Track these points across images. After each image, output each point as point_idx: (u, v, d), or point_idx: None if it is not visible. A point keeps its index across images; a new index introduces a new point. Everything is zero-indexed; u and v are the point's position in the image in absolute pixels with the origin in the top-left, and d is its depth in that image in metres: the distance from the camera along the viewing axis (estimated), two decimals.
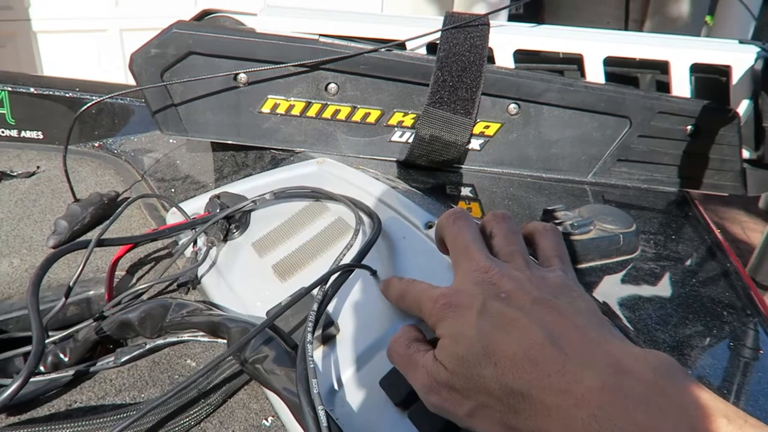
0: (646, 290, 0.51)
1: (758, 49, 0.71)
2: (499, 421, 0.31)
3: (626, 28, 2.73)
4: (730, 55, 0.71)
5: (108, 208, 0.67)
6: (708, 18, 3.73)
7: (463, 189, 0.69)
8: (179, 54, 0.65)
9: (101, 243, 0.50)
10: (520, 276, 0.36)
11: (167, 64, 0.65)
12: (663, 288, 0.52)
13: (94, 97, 0.69)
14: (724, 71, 0.73)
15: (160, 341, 0.47)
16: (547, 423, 0.29)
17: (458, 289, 0.36)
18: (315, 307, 0.40)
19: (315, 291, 0.43)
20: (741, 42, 0.75)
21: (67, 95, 0.83)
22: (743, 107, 0.72)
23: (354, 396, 0.41)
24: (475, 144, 0.70)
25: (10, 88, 0.82)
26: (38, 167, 0.79)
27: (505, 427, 0.31)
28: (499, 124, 0.69)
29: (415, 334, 0.38)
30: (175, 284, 0.54)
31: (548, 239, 0.42)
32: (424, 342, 0.37)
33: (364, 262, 0.47)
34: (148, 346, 0.47)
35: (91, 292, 0.55)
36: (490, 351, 0.31)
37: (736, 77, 0.71)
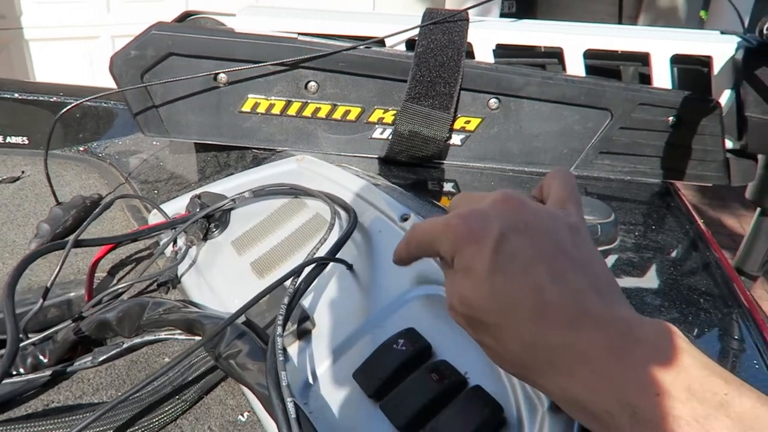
0: (623, 280, 0.51)
1: (739, 39, 0.71)
2: (502, 358, 0.31)
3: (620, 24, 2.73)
4: (711, 46, 0.71)
5: (90, 210, 0.67)
6: (702, 13, 3.73)
7: (444, 184, 0.69)
8: (159, 55, 0.65)
9: (79, 244, 0.50)
10: (540, 210, 0.33)
11: (147, 66, 0.65)
12: (641, 278, 0.52)
13: (75, 101, 0.69)
14: (706, 62, 0.73)
15: (137, 340, 0.47)
16: (549, 371, 0.29)
17: (475, 211, 0.32)
18: (286, 300, 0.40)
19: (288, 285, 0.43)
20: (722, 32, 0.75)
21: (51, 100, 0.83)
22: (725, 97, 0.72)
23: (328, 389, 0.41)
24: (456, 139, 0.70)
25: None
26: (23, 172, 0.79)
27: (507, 363, 0.31)
28: (479, 119, 0.69)
29: None
30: (155, 284, 0.54)
31: (561, 180, 0.37)
32: None
33: (339, 255, 0.47)
34: (125, 345, 0.47)
35: (72, 294, 0.55)
36: (499, 295, 0.30)
37: (717, 67, 0.71)
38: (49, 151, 0.69)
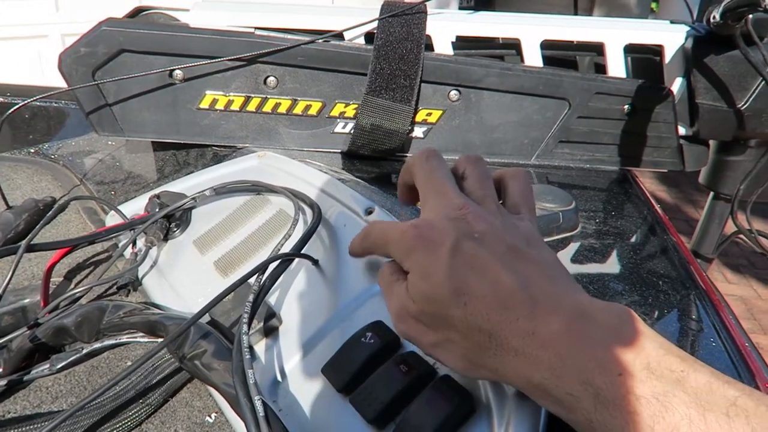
0: (586, 266, 0.52)
1: (688, 28, 0.73)
2: (463, 356, 0.32)
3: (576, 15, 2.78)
4: (662, 35, 0.73)
5: (44, 213, 0.65)
6: (653, 4, 3.84)
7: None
8: (110, 52, 0.63)
9: (32, 248, 0.48)
10: (494, 220, 0.35)
11: (98, 63, 0.64)
12: (602, 263, 0.53)
13: (23, 101, 0.67)
14: (658, 51, 0.75)
15: (97, 345, 0.45)
16: (513, 361, 0.30)
17: (430, 223, 0.34)
18: (251, 298, 0.40)
19: (253, 282, 0.42)
20: (672, 22, 0.77)
21: None
22: (677, 85, 0.74)
23: (297, 386, 0.40)
24: (418, 132, 0.70)
25: None
26: None
27: (469, 361, 0.32)
28: (441, 111, 0.70)
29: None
30: (115, 287, 0.53)
31: (519, 184, 0.40)
32: (405, 272, 0.36)
33: (304, 251, 0.47)
34: (85, 351, 0.45)
35: (27, 300, 0.53)
36: (461, 291, 0.31)
37: (668, 56, 0.73)
38: None
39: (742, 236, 0.77)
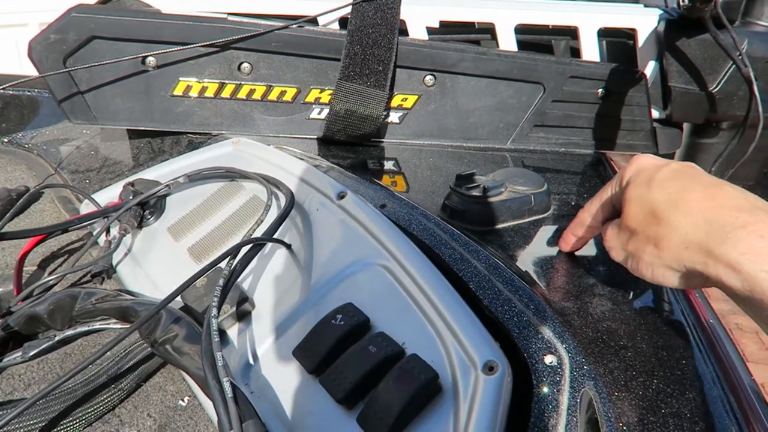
0: (556, 248, 0.53)
1: (660, 12, 0.73)
2: (668, 255, 0.37)
3: None
4: (635, 19, 0.73)
5: (17, 203, 0.64)
6: None
7: (385, 162, 0.69)
8: (81, 39, 0.62)
9: (3, 237, 0.48)
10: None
11: (69, 50, 0.63)
12: None
13: None
14: (631, 35, 0.75)
15: (69, 332, 0.46)
16: (729, 247, 0.34)
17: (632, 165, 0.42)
18: (221, 282, 0.40)
19: (224, 266, 0.42)
20: (646, 6, 0.77)
21: None
22: (650, 69, 0.75)
23: (269, 368, 0.41)
24: (394, 117, 0.70)
25: None
26: None
27: (673, 261, 0.37)
28: (416, 96, 0.70)
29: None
30: (89, 275, 0.53)
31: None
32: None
33: (277, 236, 0.47)
34: (57, 338, 0.45)
35: (0, 289, 0.53)
36: (674, 192, 0.37)
37: (641, 40, 0.74)
38: None
39: None
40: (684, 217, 0.36)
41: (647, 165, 0.42)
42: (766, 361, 1.96)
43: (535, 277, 0.47)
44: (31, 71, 0.65)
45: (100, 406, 0.39)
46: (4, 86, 0.66)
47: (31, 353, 0.44)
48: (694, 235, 0.35)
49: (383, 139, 0.72)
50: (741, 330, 2.13)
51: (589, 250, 0.53)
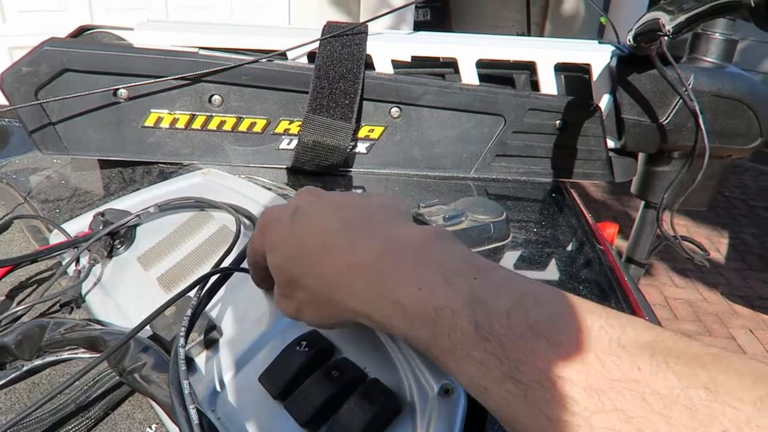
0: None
1: (613, 48, 0.78)
2: (317, 310, 0.36)
3: (529, 31, 2.87)
4: (589, 54, 0.77)
5: None
6: (602, 18, 4.00)
7: (352, 191, 0.71)
8: (53, 71, 0.64)
9: None
10: (342, 190, 0.39)
11: (41, 82, 0.64)
12: (531, 270, 0.57)
13: None
14: (586, 69, 0.80)
15: (38, 362, 0.46)
16: (346, 298, 0.32)
17: (280, 205, 0.40)
18: (189, 312, 0.41)
19: (193, 295, 0.43)
20: (600, 42, 0.82)
21: None
22: (605, 101, 0.79)
23: (235, 395, 0.42)
24: (361, 147, 0.73)
25: None
26: None
27: (322, 313, 0.35)
28: (382, 128, 0.72)
29: None
30: (58, 305, 0.53)
31: None
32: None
33: (244, 265, 0.49)
34: (25, 368, 0.46)
35: None
36: (298, 252, 0.34)
37: (596, 74, 0.78)
38: None
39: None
40: None
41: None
42: None
43: None
44: (1, 99, 0.66)
45: None
46: None
47: None
48: None
49: (351, 169, 0.74)
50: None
51: (546, 275, 0.55)
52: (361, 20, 0.72)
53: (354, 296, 0.32)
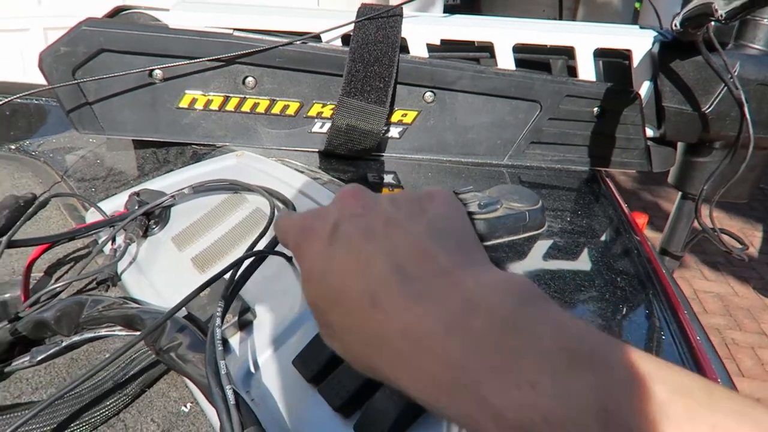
0: (550, 263, 0.54)
1: (655, 34, 0.75)
2: (355, 358, 0.29)
3: (560, 16, 2.80)
4: (630, 40, 0.75)
5: (24, 210, 0.66)
6: (636, 4, 3.90)
7: (384, 176, 0.71)
8: (90, 51, 0.64)
9: (12, 244, 0.50)
10: (384, 196, 0.32)
11: (78, 62, 0.65)
12: (566, 260, 0.56)
13: (3, 99, 0.68)
14: (627, 55, 0.77)
15: (76, 338, 0.47)
16: (407, 380, 0.25)
17: (317, 211, 0.32)
18: (225, 293, 0.41)
19: (227, 278, 0.44)
20: (641, 27, 0.79)
21: None
22: (645, 88, 0.77)
23: (269, 377, 0.42)
24: (394, 132, 0.72)
25: None
26: None
27: (369, 367, 0.28)
28: (416, 112, 0.72)
29: None
30: (94, 282, 0.54)
31: None
32: None
33: (279, 248, 0.49)
34: (64, 344, 0.47)
35: (8, 295, 0.54)
36: (335, 295, 0.28)
37: (636, 60, 0.76)
38: None
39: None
40: None
41: None
42: (761, 378, 1.97)
43: None
44: (35, 78, 0.67)
45: (106, 410, 0.41)
46: (15, 96, 0.67)
47: (39, 358, 0.46)
48: None
49: (383, 154, 0.73)
50: (737, 345, 2.15)
51: (581, 265, 0.54)
52: (393, 2, 0.71)
53: (410, 375, 0.25)
